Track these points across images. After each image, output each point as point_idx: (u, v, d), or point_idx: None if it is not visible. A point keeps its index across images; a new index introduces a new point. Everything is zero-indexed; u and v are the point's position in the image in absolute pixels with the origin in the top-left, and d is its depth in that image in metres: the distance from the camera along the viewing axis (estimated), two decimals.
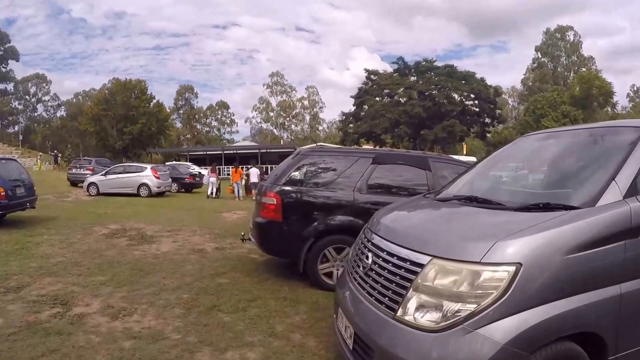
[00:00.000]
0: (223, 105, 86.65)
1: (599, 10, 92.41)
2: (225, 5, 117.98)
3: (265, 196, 6.20)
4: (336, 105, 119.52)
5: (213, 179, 22.08)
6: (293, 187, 6.15)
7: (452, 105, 51.84)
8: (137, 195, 19.53)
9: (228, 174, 31.32)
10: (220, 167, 35.41)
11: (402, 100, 53.29)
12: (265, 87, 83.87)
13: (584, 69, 63.99)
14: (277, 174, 6.50)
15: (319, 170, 6.34)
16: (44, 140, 68.30)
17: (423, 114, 50.07)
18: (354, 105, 57.68)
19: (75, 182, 22.93)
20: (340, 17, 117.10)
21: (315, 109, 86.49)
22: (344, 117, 60.75)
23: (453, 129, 49.04)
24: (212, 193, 21.68)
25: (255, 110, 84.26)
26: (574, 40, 67.90)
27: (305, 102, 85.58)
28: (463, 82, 52.05)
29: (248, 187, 22.00)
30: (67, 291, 5.45)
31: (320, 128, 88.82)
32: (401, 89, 53.32)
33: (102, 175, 20.14)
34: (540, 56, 69.25)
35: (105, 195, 19.19)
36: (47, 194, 17.95)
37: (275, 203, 6.03)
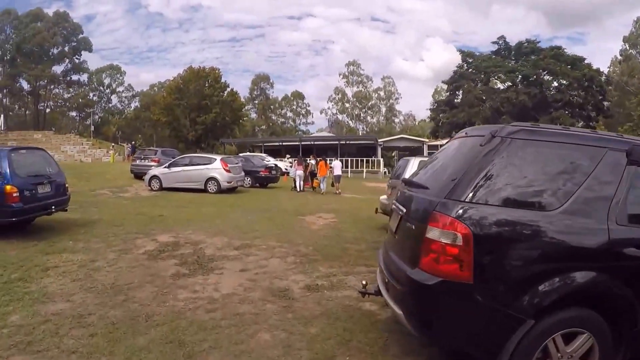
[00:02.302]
0: (298, 96, 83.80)
1: None
2: None
3: (435, 223, 2.87)
4: (410, 98, 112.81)
5: (300, 172, 20.67)
6: (491, 208, 2.82)
7: (560, 94, 44.26)
8: (205, 191, 16.83)
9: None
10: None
11: (503, 86, 46.25)
12: (342, 76, 79.89)
13: None
14: (452, 174, 3.11)
15: (538, 174, 2.98)
16: (117, 131, 68.98)
17: (528, 103, 42.79)
18: (447, 92, 51.75)
19: (139, 175, 20.76)
20: (416, 6, 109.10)
21: (391, 101, 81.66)
22: (436, 104, 54.79)
23: (562, 122, 39.87)
24: (298, 187, 20.64)
25: (331, 101, 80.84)
26: None
27: (381, 93, 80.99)
28: (570, 67, 44.15)
29: (337, 178, 21.07)
30: None
31: (397, 120, 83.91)
32: (502, 73, 46.46)
33: (165, 167, 17.72)
34: (628, 48, 60.45)
35: (168, 190, 16.64)
36: (103, 189, 15.93)
37: (460, 244, 2.73)
